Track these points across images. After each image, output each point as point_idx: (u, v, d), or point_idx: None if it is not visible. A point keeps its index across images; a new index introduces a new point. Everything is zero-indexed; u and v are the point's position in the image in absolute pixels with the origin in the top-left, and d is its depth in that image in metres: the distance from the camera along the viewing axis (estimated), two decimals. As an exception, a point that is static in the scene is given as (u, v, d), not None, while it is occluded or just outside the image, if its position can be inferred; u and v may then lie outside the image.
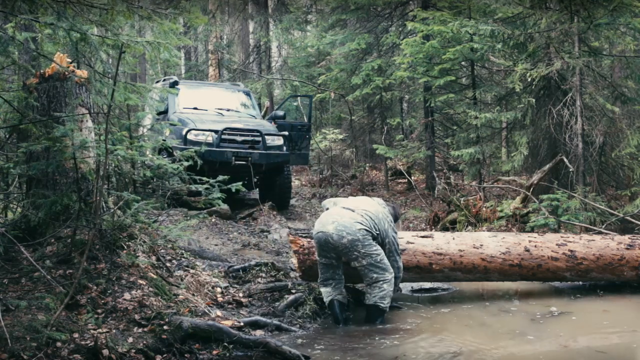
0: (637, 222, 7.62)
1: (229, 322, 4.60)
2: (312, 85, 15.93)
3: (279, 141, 9.95)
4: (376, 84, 13.45)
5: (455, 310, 5.60)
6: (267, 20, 18.78)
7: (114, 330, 4.09)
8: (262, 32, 18.82)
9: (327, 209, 5.53)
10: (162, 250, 5.58)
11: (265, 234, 8.63)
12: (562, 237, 6.28)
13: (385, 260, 5.17)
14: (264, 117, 11.72)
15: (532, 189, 8.68)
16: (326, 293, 5.21)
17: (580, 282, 6.40)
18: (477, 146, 10.58)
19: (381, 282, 5.12)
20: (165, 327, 4.20)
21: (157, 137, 8.15)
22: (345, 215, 5.13)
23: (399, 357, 4.33)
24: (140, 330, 4.19)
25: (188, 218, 7.08)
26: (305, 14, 18.80)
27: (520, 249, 5.96)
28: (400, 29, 14.39)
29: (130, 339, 4.03)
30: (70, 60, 5.15)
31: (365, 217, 5.16)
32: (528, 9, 8.89)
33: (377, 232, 5.20)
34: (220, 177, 6.39)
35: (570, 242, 6.13)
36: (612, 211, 8.00)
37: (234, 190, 6.58)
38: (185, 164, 6.68)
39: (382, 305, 5.12)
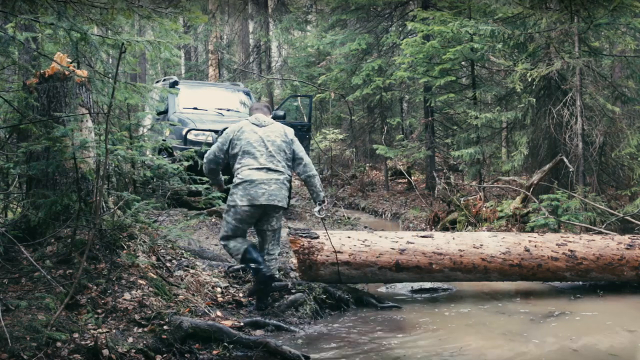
0: (637, 222, 7.61)
1: (229, 322, 4.60)
2: (312, 85, 15.95)
3: None
4: (376, 84, 13.46)
5: (455, 310, 5.60)
6: (267, 20, 18.80)
7: (114, 330, 4.09)
8: (262, 32, 18.84)
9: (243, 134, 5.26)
10: (162, 250, 5.58)
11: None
12: (562, 237, 6.28)
13: None
14: None
15: (532, 189, 8.68)
16: (238, 244, 5.21)
17: (580, 282, 6.40)
18: (477, 146, 10.58)
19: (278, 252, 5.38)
20: (165, 327, 4.20)
21: (157, 137, 8.16)
22: (273, 182, 5.12)
23: (399, 357, 4.33)
24: (140, 330, 4.19)
25: (188, 218, 7.08)
26: (305, 14, 18.82)
27: (520, 249, 5.96)
28: (400, 29, 14.40)
29: (130, 339, 4.03)
30: (70, 60, 5.15)
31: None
32: (528, 9, 8.89)
33: None
34: (220, 177, 6.39)
35: (570, 242, 6.14)
36: (612, 211, 8.00)
37: (234, 190, 6.57)
38: (186, 164, 6.68)
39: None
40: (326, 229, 5.84)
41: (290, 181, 5.29)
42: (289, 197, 5.26)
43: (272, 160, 5.16)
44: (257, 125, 5.31)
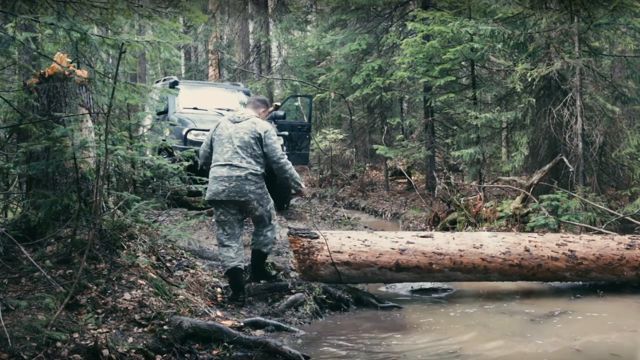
0: (637, 222, 7.61)
1: (229, 322, 4.60)
2: (312, 85, 15.95)
3: (279, 141, 9.93)
4: (376, 84, 13.46)
5: (455, 310, 5.60)
6: (267, 20, 18.81)
7: (114, 330, 4.09)
8: (262, 32, 18.85)
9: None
10: (162, 250, 5.58)
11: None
12: (562, 237, 6.28)
13: None
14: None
15: (532, 189, 8.68)
16: (227, 257, 5.24)
17: (580, 282, 6.40)
18: (477, 146, 10.58)
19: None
20: (165, 327, 4.20)
21: (157, 137, 8.16)
22: (234, 179, 5.16)
23: (399, 357, 4.33)
24: (140, 330, 4.19)
25: (188, 218, 7.08)
26: (305, 14, 18.83)
27: (520, 249, 5.96)
28: (400, 29, 14.41)
29: (130, 339, 4.03)
30: (70, 60, 5.15)
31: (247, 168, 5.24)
32: (528, 9, 8.89)
33: None
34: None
35: (570, 242, 6.13)
36: (612, 211, 7.99)
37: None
38: (185, 164, 6.68)
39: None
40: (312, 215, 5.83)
41: (258, 174, 5.28)
42: (264, 188, 5.35)
43: (237, 156, 5.19)
44: (231, 121, 5.35)
